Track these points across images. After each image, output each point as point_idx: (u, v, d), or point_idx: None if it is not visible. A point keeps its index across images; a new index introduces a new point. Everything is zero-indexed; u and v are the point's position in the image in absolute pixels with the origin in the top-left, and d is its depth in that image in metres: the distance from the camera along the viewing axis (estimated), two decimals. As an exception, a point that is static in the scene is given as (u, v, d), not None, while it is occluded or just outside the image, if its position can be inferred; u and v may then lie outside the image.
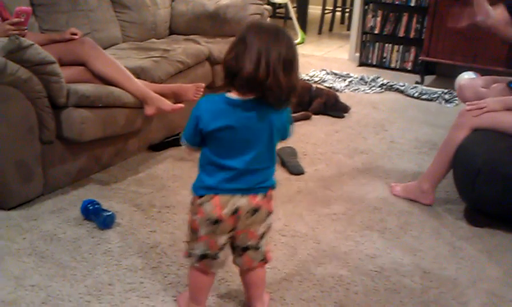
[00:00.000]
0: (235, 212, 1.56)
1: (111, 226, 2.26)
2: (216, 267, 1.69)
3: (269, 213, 1.64)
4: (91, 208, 2.31)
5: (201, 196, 1.57)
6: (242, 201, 1.56)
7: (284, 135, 1.64)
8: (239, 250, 1.67)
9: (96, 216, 2.28)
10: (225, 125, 1.49)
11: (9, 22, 2.48)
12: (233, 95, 1.50)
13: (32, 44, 2.30)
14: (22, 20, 2.50)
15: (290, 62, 1.46)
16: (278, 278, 1.99)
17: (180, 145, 3.23)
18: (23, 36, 2.37)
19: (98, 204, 2.33)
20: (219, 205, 1.55)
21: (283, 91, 1.45)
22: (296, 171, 2.92)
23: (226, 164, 1.53)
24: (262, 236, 1.65)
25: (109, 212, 2.29)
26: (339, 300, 1.89)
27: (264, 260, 1.71)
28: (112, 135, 2.74)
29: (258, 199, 1.59)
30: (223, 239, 1.61)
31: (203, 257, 1.64)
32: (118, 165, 2.88)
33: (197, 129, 1.53)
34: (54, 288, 1.87)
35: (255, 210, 1.58)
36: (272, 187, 1.64)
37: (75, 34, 2.80)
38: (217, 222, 1.56)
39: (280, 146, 3.08)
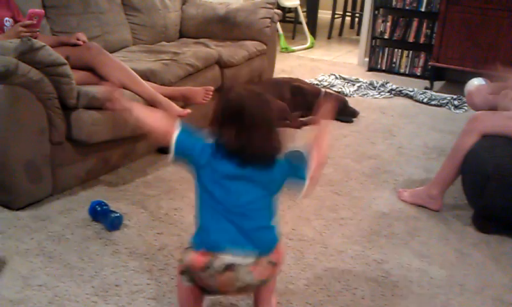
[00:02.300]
0: (247, 286, 1.50)
1: (118, 228, 2.27)
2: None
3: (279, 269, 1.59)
4: (99, 209, 2.32)
5: (206, 268, 1.46)
6: (254, 275, 1.47)
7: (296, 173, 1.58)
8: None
9: (104, 217, 2.29)
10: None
11: (22, 23, 2.51)
12: None
13: (44, 45, 2.32)
14: (35, 22, 2.53)
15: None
16: (285, 282, 1.99)
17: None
18: (35, 38, 2.39)
19: (106, 205, 2.34)
20: (229, 283, 1.47)
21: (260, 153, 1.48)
22: (304, 175, 2.91)
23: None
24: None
25: (117, 213, 2.30)
26: (346, 305, 1.89)
27: None
28: (121, 137, 2.75)
29: (269, 269, 1.51)
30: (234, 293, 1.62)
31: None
32: (127, 167, 2.89)
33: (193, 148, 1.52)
34: (61, 288, 1.88)
35: (268, 278, 1.54)
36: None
37: (79, 40, 2.81)
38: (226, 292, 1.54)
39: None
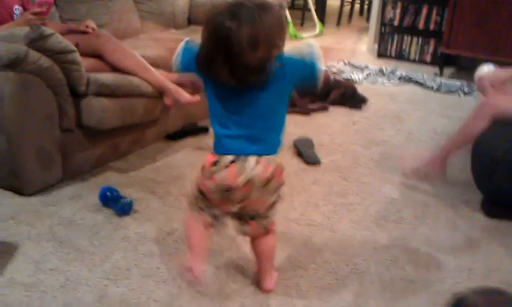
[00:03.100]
0: (249, 181, 1.57)
1: (128, 213, 2.30)
2: (218, 228, 1.74)
3: (281, 184, 1.66)
4: (109, 195, 2.34)
5: (215, 163, 1.58)
6: (257, 170, 1.56)
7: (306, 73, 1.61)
8: (246, 218, 1.70)
9: (114, 203, 2.31)
10: None
11: (32, 11, 2.53)
12: None
13: (54, 33, 2.34)
14: (44, 10, 2.54)
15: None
16: (294, 266, 2.00)
17: (198, 134, 3.25)
18: (44, 26, 2.41)
19: (116, 191, 2.37)
20: (234, 173, 1.56)
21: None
22: (312, 161, 2.92)
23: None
24: (271, 206, 1.69)
25: (127, 199, 2.32)
26: (354, 289, 1.90)
27: (267, 230, 1.74)
28: (131, 123, 2.77)
29: (271, 168, 1.59)
30: (235, 207, 1.65)
31: (208, 213, 1.69)
32: (136, 154, 2.91)
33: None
34: (72, 272, 1.91)
35: (268, 180, 1.59)
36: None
37: (88, 27, 2.83)
38: (229, 190, 1.59)
39: (296, 136, 3.11)
